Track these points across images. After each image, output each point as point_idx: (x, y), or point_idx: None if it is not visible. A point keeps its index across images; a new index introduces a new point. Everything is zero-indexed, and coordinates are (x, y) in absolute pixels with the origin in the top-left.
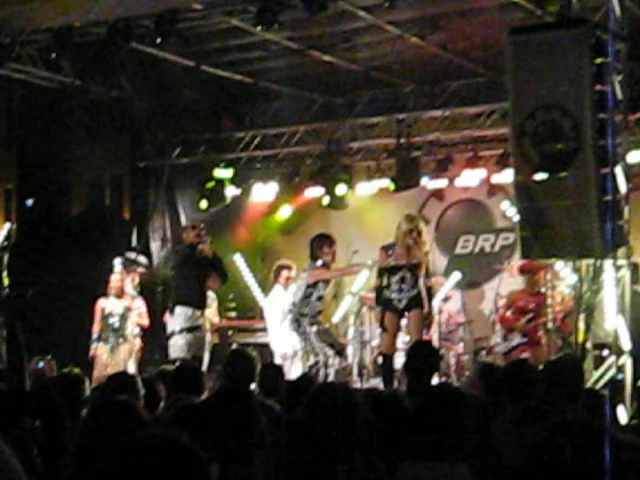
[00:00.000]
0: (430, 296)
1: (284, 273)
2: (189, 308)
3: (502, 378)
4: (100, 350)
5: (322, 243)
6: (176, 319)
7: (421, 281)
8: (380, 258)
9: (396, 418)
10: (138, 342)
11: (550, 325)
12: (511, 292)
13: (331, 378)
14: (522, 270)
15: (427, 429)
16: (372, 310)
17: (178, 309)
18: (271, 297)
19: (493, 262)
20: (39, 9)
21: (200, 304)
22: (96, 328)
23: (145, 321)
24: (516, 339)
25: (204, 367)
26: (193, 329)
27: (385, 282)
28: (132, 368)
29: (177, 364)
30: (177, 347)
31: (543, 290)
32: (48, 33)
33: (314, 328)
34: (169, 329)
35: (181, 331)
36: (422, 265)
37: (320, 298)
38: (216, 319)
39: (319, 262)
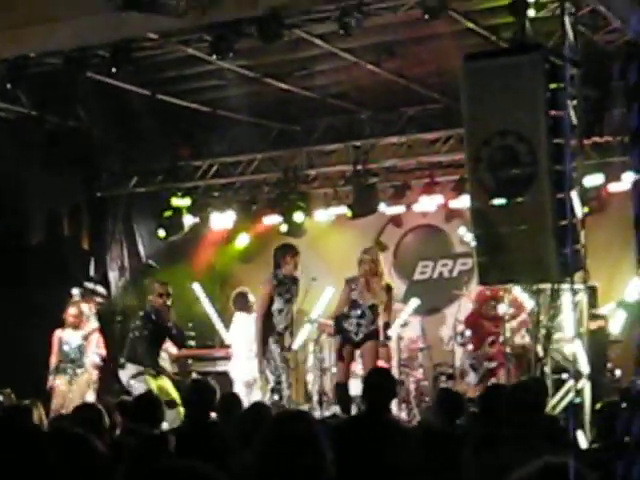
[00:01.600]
0: (387, 325)
1: (246, 300)
2: (139, 366)
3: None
4: (58, 381)
5: (284, 252)
6: (127, 370)
7: (379, 320)
8: (344, 291)
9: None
10: (96, 373)
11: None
12: (467, 316)
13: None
14: (477, 300)
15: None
16: (331, 337)
17: (129, 365)
18: (236, 324)
19: (452, 287)
20: None
21: (153, 364)
22: (54, 359)
23: (103, 351)
24: (484, 365)
25: None
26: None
27: (345, 312)
28: (91, 398)
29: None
30: (138, 389)
31: (501, 314)
32: (3, 64)
33: (278, 348)
34: (123, 380)
35: (134, 377)
36: (382, 303)
37: (280, 311)
38: (174, 350)
39: (268, 276)
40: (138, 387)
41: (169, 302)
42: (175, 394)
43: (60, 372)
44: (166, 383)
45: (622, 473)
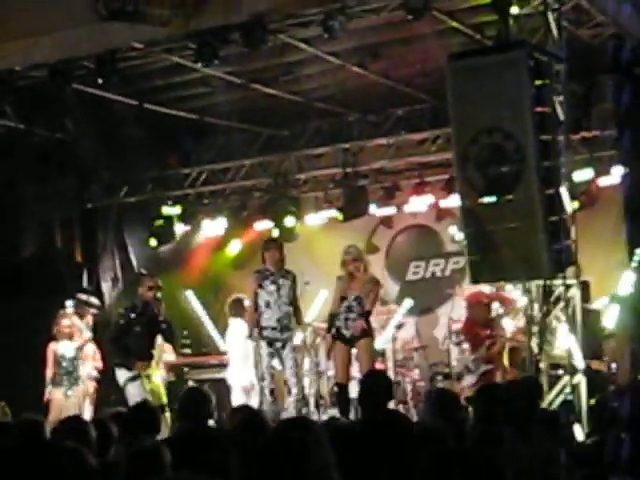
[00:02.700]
0: (367, 313)
1: (242, 306)
2: (128, 370)
3: (457, 404)
4: (54, 394)
5: (265, 247)
6: (123, 371)
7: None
8: (335, 290)
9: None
10: (93, 384)
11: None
12: (462, 322)
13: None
14: (470, 304)
15: (373, 457)
16: (326, 341)
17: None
18: (232, 330)
19: (444, 287)
20: None
21: (145, 358)
22: (49, 372)
23: (99, 363)
24: (481, 368)
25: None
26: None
27: (336, 310)
28: (88, 410)
29: (132, 405)
30: (134, 394)
31: (494, 316)
32: None
33: (267, 352)
34: (120, 382)
35: (130, 380)
36: (368, 294)
37: (267, 304)
38: (171, 357)
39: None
40: (133, 392)
41: (159, 295)
42: (165, 399)
43: (56, 384)
44: (159, 386)
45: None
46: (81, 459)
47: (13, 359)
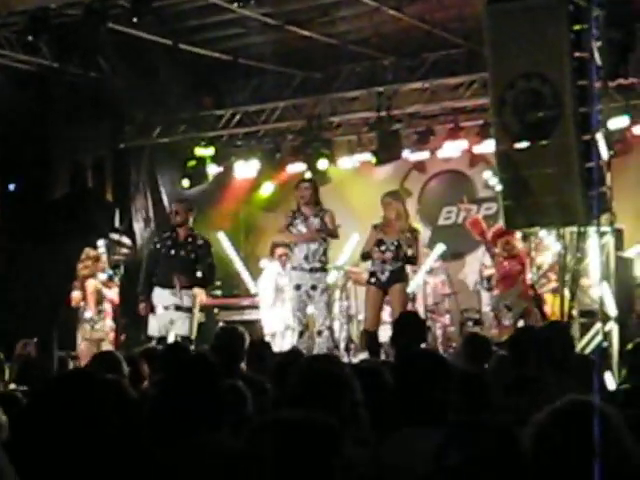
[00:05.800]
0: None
1: (278, 250)
2: (165, 289)
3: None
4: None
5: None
6: (156, 299)
7: (409, 252)
8: (370, 234)
9: (380, 388)
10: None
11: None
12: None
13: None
14: (496, 236)
15: (409, 397)
16: (357, 284)
17: (157, 290)
18: (265, 274)
19: None
20: None
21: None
22: (94, 309)
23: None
24: (521, 304)
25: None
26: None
27: (370, 252)
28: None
29: (170, 342)
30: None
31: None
32: (24, 15)
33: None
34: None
35: (165, 308)
36: (410, 244)
37: None
38: (203, 297)
39: None
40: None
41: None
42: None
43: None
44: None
45: None
46: (122, 390)
47: (45, 299)
